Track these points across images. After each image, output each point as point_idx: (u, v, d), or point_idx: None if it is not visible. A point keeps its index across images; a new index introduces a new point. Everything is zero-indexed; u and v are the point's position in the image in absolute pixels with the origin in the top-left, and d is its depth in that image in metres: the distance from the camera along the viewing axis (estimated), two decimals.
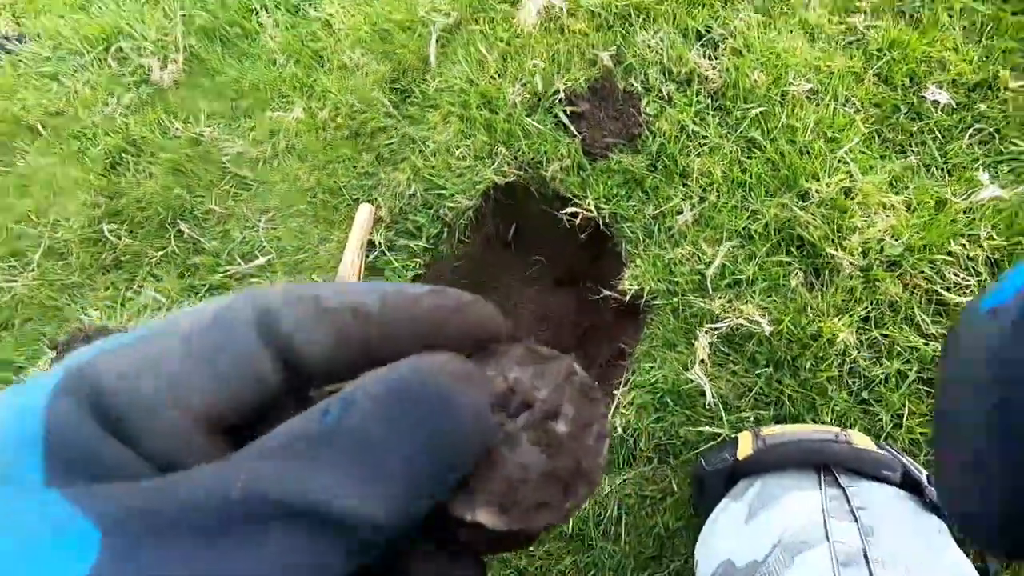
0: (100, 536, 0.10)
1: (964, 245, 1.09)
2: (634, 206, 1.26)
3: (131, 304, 1.37)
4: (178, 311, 0.13)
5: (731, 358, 1.11)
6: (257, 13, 1.65)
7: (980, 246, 1.08)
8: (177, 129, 1.52)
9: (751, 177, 1.22)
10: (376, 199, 1.39)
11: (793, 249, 1.16)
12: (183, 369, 0.12)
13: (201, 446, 0.12)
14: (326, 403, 0.12)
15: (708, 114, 1.28)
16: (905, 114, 1.23)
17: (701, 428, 1.07)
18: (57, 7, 1.82)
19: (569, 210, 1.28)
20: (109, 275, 1.43)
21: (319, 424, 0.11)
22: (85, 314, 1.38)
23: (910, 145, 1.21)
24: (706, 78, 1.31)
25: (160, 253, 1.42)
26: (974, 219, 1.11)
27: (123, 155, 1.52)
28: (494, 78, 1.40)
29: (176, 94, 1.59)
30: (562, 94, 1.34)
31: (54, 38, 1.73)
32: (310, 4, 1.63)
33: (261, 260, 1.38)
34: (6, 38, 1.79)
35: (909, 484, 0.73)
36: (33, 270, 1.46)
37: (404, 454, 0.11)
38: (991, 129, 1.19)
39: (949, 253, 1.09)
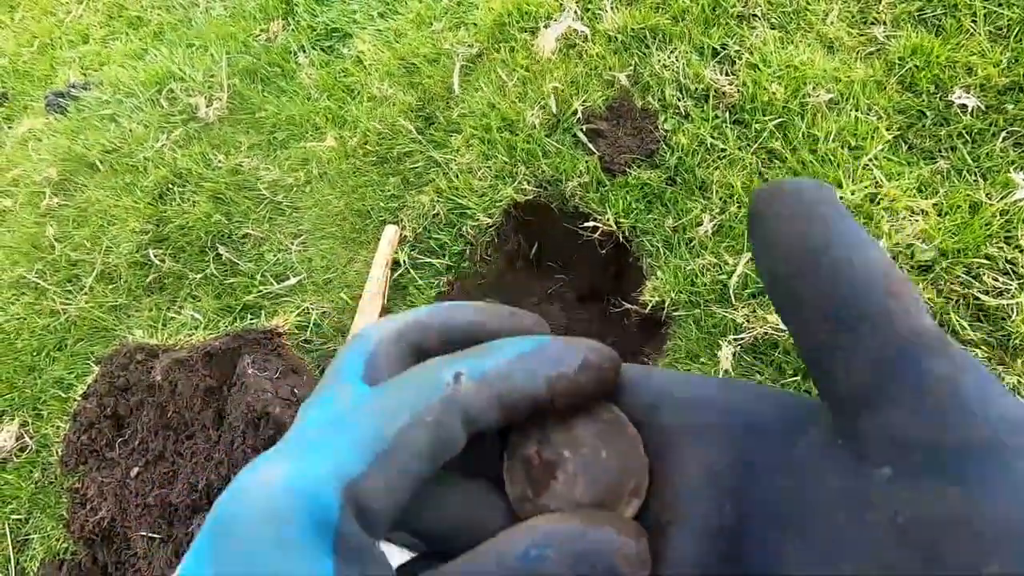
0: None
1: (1002, 248, 1.04)
2: (654, 219, 1.26)
3: (172, 323, 1.44)
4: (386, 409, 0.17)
5: (756, 368, 1.08)
6: (295, 54, 1.77)
7: (1019, 248, 1.03)
8: (219, 161, 1.63)
9: None
10: (401, 220, 1.43)
11: None
12: (418, 479, 0.16)
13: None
14: (526, 548, 0.15)
15: (726, 127, 1.29)
16: (932, 120, 1.21)
17: None
18: (118, 57, 1.99)
19: (589, 224, 1.29)
20: (153, 296, 1.51)
21: (521, 563, 0.15)
22: (130, 333, 1.45)
23: (939, 150, 1.18)
24: (723, 93, 1.32)
25: (200, 275, 1.49)
26: (1011, 221, 1.06)
27: (170, 186, 1.63)
28: (514, 102, 1.44)
29: (219, 129, 1.70)
30: (580, 114, 1.37)
31: (114, 84, 1.89)
32: (344, 43, 1.74)
33: (292, 280, 1.44)
34: (73, 87, 1.96)
35: None
36: (86, 293, 1.55)
37: None
38: None
39: (986, 256, 1.05)
